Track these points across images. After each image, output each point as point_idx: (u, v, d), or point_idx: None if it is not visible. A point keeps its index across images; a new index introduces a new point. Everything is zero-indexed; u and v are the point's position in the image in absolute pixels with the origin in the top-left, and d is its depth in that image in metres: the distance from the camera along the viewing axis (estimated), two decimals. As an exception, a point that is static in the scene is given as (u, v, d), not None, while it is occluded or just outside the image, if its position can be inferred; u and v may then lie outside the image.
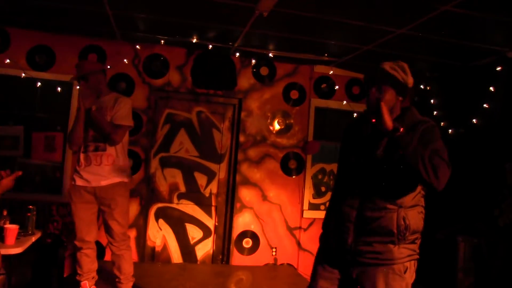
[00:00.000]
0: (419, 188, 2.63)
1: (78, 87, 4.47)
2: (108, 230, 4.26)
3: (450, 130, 5.68)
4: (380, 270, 2.55)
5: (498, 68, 4.99)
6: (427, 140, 2.52)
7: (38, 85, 5.41)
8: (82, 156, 4.21)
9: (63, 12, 4.76)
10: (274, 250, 6.00)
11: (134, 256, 5.59)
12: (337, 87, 6.26)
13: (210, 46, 5.55)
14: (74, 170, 4.29)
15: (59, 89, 5.46)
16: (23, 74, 5.33)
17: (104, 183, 4.16)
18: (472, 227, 4.93)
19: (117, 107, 4.21)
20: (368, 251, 2.57)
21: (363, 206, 2.58)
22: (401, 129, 2.41)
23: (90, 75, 4.21)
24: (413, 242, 2.60)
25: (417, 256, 2.64)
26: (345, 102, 6.27)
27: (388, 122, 2.42)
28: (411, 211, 2.57)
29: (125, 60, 5.56)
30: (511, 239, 4.40)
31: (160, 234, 5.83)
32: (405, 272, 2.57)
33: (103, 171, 4.16)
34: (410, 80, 2.65)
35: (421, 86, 6.26)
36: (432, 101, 6.03)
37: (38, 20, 5.15)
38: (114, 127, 4.12)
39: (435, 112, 5.95)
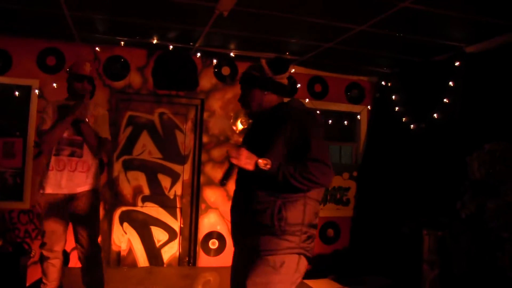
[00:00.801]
0: None
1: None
2: (79, 239, 4.08)
3: (412, 126, 5.90)
4: (255, 260, 2.54)
5: (457, 63, 5.23)
6: (300, 146, 2.49)
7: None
8: (53, 159, 3.98)
9: (19, 14, 4.81)
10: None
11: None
12: (299, 85, 6.45)
13: (171, 47, 5.66)
14: (43, 176, 4.03)
15: (17, 93, 5.48)
16: (-21, 79, 5.33)
17: (79, 190, 4.00)
18: (436, 220, 5.12)
19: (101, 119, 4.20)
20: (251, 242, 2.57)
21: (251, 199, 2.58)
22: (268, 166, 2.45)
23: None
24: (293, 234, 2.51)
25: (301, 251, 2.55)
26: (307, 100, 6.44)
27: (249, 166, 2.49)
28: (292, 203, 2.52)
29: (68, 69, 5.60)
30: (472, 230, 4.60)
31: (125, 238, 5.89)
32: (281, 266, 2.50)
33: (77, 178, 4.00)
34: (270, 73, 2.66)
35: (382, 83, 6.49)
36: (393, 97, 6.26)
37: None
38: (100, 140, 4.09)
39: (396, 108, 6.19)
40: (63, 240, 4.06)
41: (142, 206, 5.97)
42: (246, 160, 2.49)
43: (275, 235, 2.49)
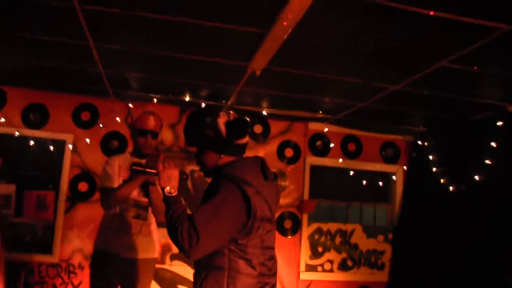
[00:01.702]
0: (225, 250, 2.42)
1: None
2: None
3: (451, 187, 5.76)
4: None
5: (499, 123, 5.11)
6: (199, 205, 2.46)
7: (31, 144, 5.61)
8: (117, 220, 3.82)
9: (58, 71, 5.02)
10: (270, 313, 5.96)
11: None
12: (332, 144, 6.43)
13: (203, 104, 5.76)
14: (102, 234, 3.89)
15: (51, 147, 5.65)
16: (17, 133, 5.53)
17: (140, 256, 3.86)
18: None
19: None
20: None
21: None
22: (169, 193, 2.52)
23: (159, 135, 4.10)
24: None
25: None
26: (341, 159, 6.42)
27: (162, 184, 2.57)
28: (214, 274, 2.43)
29: (117, 119, 5.76)
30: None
31: (151, 297, 5.84)
32: None
33: (140, 243, 3.87)
34: (227, 137, 2.54)
35: (418, 142, 6.40)
36: (430, 157, 6.15)
37: (33, 79, 5.42)
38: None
39: (434, 169, 6.06)
40: None
41: (170, 264, 5.94)
42: (167, 178, 2.56)
43: None
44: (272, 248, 2.58)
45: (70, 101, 5.76)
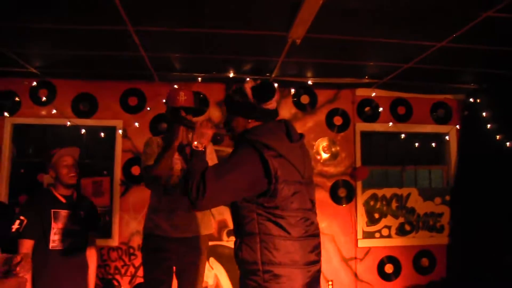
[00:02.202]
0: (253, 214, 2.50)
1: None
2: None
3: (507, 143, 5.61)
4: None
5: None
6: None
7: (82, 132, 5.76)
8: (165, 199, 3.72)
9: (102, 60, 5.13)
10: (330, 283, 6.01)
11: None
12: (381, 109, 6.34)
13: (248, 79, 5.73)
14: (151, 215, 3.80)
15: (102, 134, 5.79)
16: (68, 123, 5.69)
17: (192, 234, 3.75)
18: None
19: (210, 153, 3.87)
20: None
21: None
22: (197, 147, 2.59)
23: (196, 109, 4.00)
24: (254, 273, 2.46)
25: None
26: (391, 123, 6.32)
27: (196, 139, 2.63)
28: (247, 241, 2.51)
29: (164, 101, 5.83)
30: None
31: (212, 273, 5.95)
32: None
33: (192, 220, 3.74)
34: (254, 100, 2.59)
35: (470, 100, 6.24)
36: (484, 114, 6.00)
37: (79, 70, 5.56)
38: None
39: (488, 125, 5.92)
40: None
41: (227, 241, 6.02)
42: (200, 135, 2.63)
43: (244, 277, 2.54)
44: (305, 210, 2.57)
45: (117, 88, 5.89)
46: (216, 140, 2.78)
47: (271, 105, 2.62)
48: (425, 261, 6.32)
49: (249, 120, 2.62)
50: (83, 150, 5.78)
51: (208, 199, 2.35)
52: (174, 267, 3.78)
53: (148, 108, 5.86)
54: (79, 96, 5.85)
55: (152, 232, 3.73)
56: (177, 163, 3.75)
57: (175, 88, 4.00)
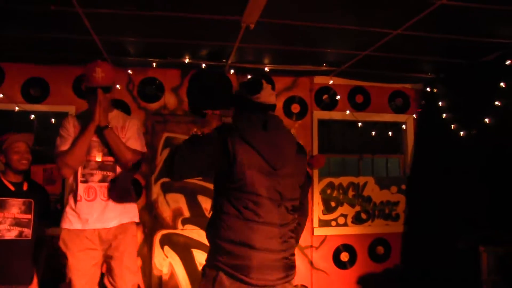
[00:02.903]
0: (218, 194, 2.79)
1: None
2: (116, 281, 3.53)
3: (462, 132, 5.67)
4: None
5: (508, 62, 4.98)
6: None
7: (32, 118, 5.59)
8: (81, 187, 3.41)
9: (53, 43, 4.96)
10: (286, 271, 5.99)
11: (140, 286, 5.64)
12: (338, 97, 6.32)
13: (204, 65, 5.67)
14: (68, 208, 3.50)
15: (53, 120, 5.62)
16: (17, 108, 5.51)
17: (112, 224, 3.47)
18: (495, 235, 4.85)
19: (130, 130, 3.61)
20: None
21: None
22: None
23: (113, 86, 3.61)
24: (213, 248, 2.73)
25: (217, 264, 2.64)
26: (348, 112, 6.31)
27: None
28: (211, 218, 2.82)
29: (118, 86, 5.70)
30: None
31: (166, 262, 5.88)
32: (202, 275, 2.76)
33: (111, 209, 3.47)
34: (245, 94, 2.87)
35: (427, 89, 6.28)
36: (440, 103, 6.04)
37: (29, 53, 5.37)
38: (133, 152, 3.48)
39: (444, 115, 5.97)
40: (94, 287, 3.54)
41: (182, 229, 5.95)
42: (207, 124, 2.97)
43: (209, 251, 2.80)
44: (268, 198, 2.69)
45: (69, 73, 5.68)
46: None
47: (261, 99, 2.81)
48: (380, 249, 6.38)
49: (243, 111, 2.85)
50: (34, 136, 5.67)
51: (176, 171, 2.62)
52: (101, 257, 3.54)
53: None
54: (30, 81, 5.65)
55: (70, 226, 3.44)
56: (95, 146, 3.48)
57: (92, 63, 3.56)
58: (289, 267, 2.77)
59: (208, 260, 2.77)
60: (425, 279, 6.00)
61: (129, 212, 3.61)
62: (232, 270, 2.59)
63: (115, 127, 3.53)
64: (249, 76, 6.00)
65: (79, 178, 3.44)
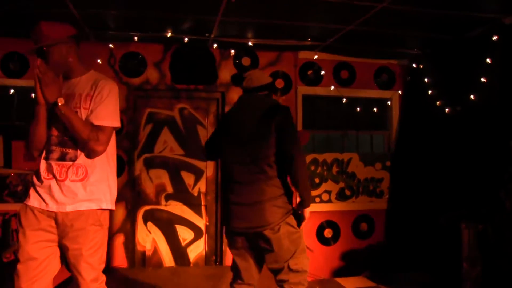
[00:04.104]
0: None
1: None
2: (73, 275, 2.99)
3: (447, 109, 5.62)
4: None
5: (494, 38, 4.90)
6: None
7: (11, 93, 5.49)
8: (42, 165, 2.93)
9: (29, 16, 4.82)
10: (270, 247, 5.98)
11: (123, 261, 5.63)
12: (323, 72, 6.25)
13: (186, 39, 5.57)
14: (31, 184, 2.99)
15: (33, 95, 5.51)
16: (-4, 82, 5.40)
17: (70, 209, 2.86)
18: (476, 212, 4.84)
19: (97, 97, 2.94)
20: None
21: None
22: None
23: (52, 47, 2.89)
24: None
25: None
26: (333, 87, 6.25)
27: None
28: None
29: (99, 61, 5.60)
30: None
31: (149, 238, 5.86)
32: None
33: (68, 192, 2.87)
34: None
35: (413, 65, 6.22)
36: (426, 79, 5.99)
37: (10, 28, 5.23)
38: (93, 130, 2.85)
39: (430, 91, 5.92)
40: (48, 277, 2.94)
41: (165, 205, 5.93)
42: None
43: None
44: (239, 162, 3.32)
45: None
46: None
47: (244, 85, 3.60)
48: (364, 226, 6.38)
49: None
50: (13, 112, 5.59)
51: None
52: (55, 243, 2.96)
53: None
54: (9, 55, 5.53)
55: (28, 201, 2.95)
56: (55, 119, 2.90)
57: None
58: (263, 217, 3.21)
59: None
60: (407, 256, 6.02)
61: (94, 198, 2.96)
62: (223, 221, 3.47)
63: (78, 96, 2.95)
64: (232, 51, 5.95)
65: (43, 154, 2.96)
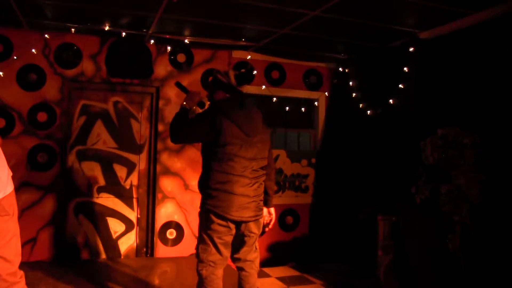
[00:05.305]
0: (207, 156, 3.56)
1: None
2: None
3: (368, 111, 5.97)
4: None
5: (411, 49, 5.32)
6: None
7: None
8: None
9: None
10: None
11: (51, 255, 5.56)
12: (255, 72, 6.45)
13: (124, 34, 5.57)
14: None
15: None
16: None
17: None
18: (390, 205, 5.20)
19: None
20: None
21: None
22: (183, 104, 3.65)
23: None
24: (204, 194, 3.54)
25: (204, 205, 3.50)
26: (264, 86, 6.47)
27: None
28: (203, 173, 3.60)
29: (33, 50, 5.49)
30: (426, 214, 4.70)
31: (81, 230, 5.81)
32: (200, 216, 3.60)
33: None
34: (235, 83, 3.69)
35: (340, 69, 6.54)
36: (351, 83, 6.33)
37: None
38: None
39: (354, 94, 6.26)
40: None
41: (97, 197, 5.90)
42: (191, 99, 3.67)
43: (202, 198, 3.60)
44: (245, 158, 3.50)
45: (-22, 33, 5.41)
46: (200, 104, 3.74)
47: (242, 88, 3.90)
48: (289, 219, 6.66)
49: (227, 95, 3.65)
50: None
51: (174, 138, 3.56)
52: None
53: (15, 57, 5.45)
54: None
55: None
56: None
57: None
58: (258, 209, 3.61)
59: (201, 205, 3.54)
60: (329, 247, 6.36)
61: None
62: (218, 210, 3.42)
63: None
64: (168, 47, 5.99)
65: None
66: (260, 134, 3.65)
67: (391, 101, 5.59)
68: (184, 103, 3.64)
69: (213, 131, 3.43)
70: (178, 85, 3.88)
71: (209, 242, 3.49)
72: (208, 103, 3.79)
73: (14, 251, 2.89)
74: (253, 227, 3.59)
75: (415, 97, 5.29)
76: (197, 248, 3.58)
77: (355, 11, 4.68)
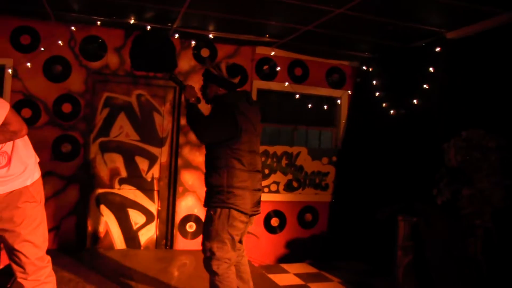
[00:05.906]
0: (223, 153, 3.46)
1: None
2: (16, 258, 2.93)
3: (391, 111, 5.90)
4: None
5: (437, 49, 5.22)
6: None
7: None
8: None
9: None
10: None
11: (74, 243, 5.60)
12: (279, 68, 6.41)
13: (149, 27, 5.57)
14: None
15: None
16: None
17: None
18: (411, 206, 5.14)
19: None
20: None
21: None
22: (191, 100, 3.64)
23: None
24: (220, 193, 3.45)
25: (225, 204, 3.41)
26: (287, 83, 6.42)
27: (187, 96, 3.67)
28: (218, 171, 3.49)
29: (60, 42, 5.52)
30: (447, 217, 4.63)
31: (102, 221, 5.85)
32: (214, 214, 3.47)
33: None
34: (226, 75, 3.58)
35: (363, 68, 6.46)
36: (374, 82, 6.25)
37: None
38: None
39: (377, 93, 6.18)
40: None
41: (119, 189, 5.93)
42: (190, 94, 3.66)
43: (211, 195, 3.56)
44: (254, 152, 3.58)
45: (6, 24, 5.42)
46: (198, 100, 3.68)
47: (235, 80, 3.65)
48: (308, 216, 6.61)
49: (220, 88, 3.62)
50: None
51: (205, 136, 3.48)
52: None
53: (42, 49, 5.50)
54: None
55: None
56: None
57: None
58: (260, 202, 3.68)
59: (217, 203, 3.46)
60: (348, 246, 6.31)
61: (20, 177, 2.97)
62: (241, 208, 3.42)
63: None
64: (193, 42, 5.98)
65: None
66: (259, 127, 3.77)
67: (414, 101, 5.50)
68: (193, 98, 3.64)
69: (237, 128, 3.41)
70: (174, 78, 3.84)
71: (226, 240, 3.46)
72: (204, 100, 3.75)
73: (42, 237, 3.02)
74: (253, 218, 3.70)
75: (439, 98, 5.20)
76: (209, 246, 3.47)
77: (380, 10, 4.62)
